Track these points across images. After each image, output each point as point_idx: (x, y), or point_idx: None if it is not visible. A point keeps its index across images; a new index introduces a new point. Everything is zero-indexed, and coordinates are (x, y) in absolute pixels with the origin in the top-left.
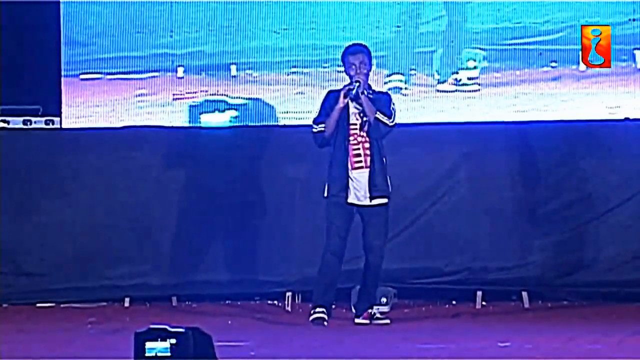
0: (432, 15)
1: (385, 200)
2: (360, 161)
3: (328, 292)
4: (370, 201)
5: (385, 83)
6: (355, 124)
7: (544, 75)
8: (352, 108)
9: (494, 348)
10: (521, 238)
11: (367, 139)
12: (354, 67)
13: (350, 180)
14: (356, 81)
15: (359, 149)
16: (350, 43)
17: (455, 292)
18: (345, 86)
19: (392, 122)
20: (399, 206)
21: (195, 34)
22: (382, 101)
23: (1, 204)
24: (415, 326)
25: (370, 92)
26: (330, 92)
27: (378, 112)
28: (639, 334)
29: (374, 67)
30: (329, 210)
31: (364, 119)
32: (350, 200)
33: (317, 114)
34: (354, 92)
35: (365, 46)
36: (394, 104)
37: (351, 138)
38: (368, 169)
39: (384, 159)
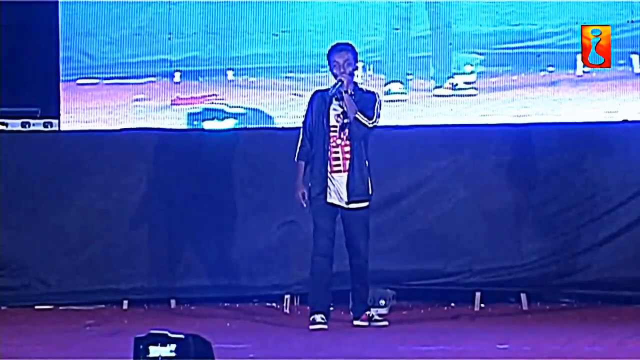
0: (429, 19)
1: (364, 204)
2: (339, 165)
3: (324, 295)
4: (348, 205)
5: (386, 93)
6: (336, 126)
7: (541, 79)
8: (333, 109)
9: (493, 350)
10: (520, 240)
11: (347, 142)
12: (337, 65)
13: (329, 181)
14: (339, 80)
15: (337, 152)
16: (336, 42)
17: (454, 293)
18: (333, 87)
19: (372, 123)
20: (398, 208)
21: (192, 37)
22: (366, 101)
23: (0, 206)
24: (413, 328)
25: (352, 91)
26: (316, 91)
27: (358, 113)
28: (638, 336)
29: (371, 72)
30: (313, 211)
31: (345, 120)
32: (329, 200)
33: (304, 116)
34: (333, 90)
35: (350, 45)
36: (379, 104)
37: (330, 140)
38: (346, 173)
39: (366, 163)
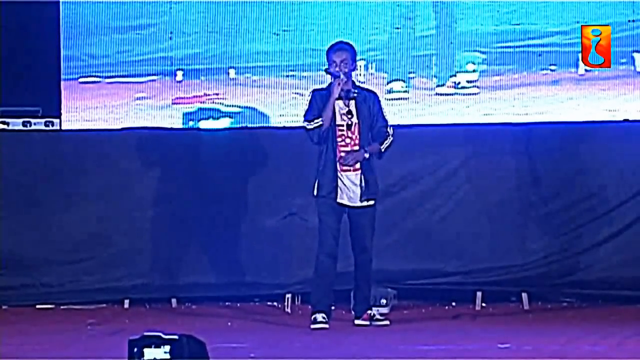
0: (431, 17)
1: (373, 202)
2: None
3: (326, 294)
4: (361, 202)
5: (388, 92)
6: (342, 125)
7: (543, 78)
8: (338, 109)
9: (494, 349)
10: (521, 239)
11: (356, 140)
12: (334, 64)
13: (339, 181)
14: (336, 82)
15: (347, 150)
16: (335, 41)
17: (455, 293)
18: (332, 83)
19: (390, 129)
20: (399, 207)
21: (194, 36)
22: (374, 107)
23: (1, 205)
24: (415, 327)
25: (356, 91)
26: (314, 90)
27: (379, 146)
28: (638, 336)
29: (373, 70)
30: (320, 210)
31: (351, 119)
32: (339, 200)
33: (304, 113)
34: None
35: (349, 44)
36: (382, 108)
37: (339, 139)
38: (357, 171)
39: (371, 160)
